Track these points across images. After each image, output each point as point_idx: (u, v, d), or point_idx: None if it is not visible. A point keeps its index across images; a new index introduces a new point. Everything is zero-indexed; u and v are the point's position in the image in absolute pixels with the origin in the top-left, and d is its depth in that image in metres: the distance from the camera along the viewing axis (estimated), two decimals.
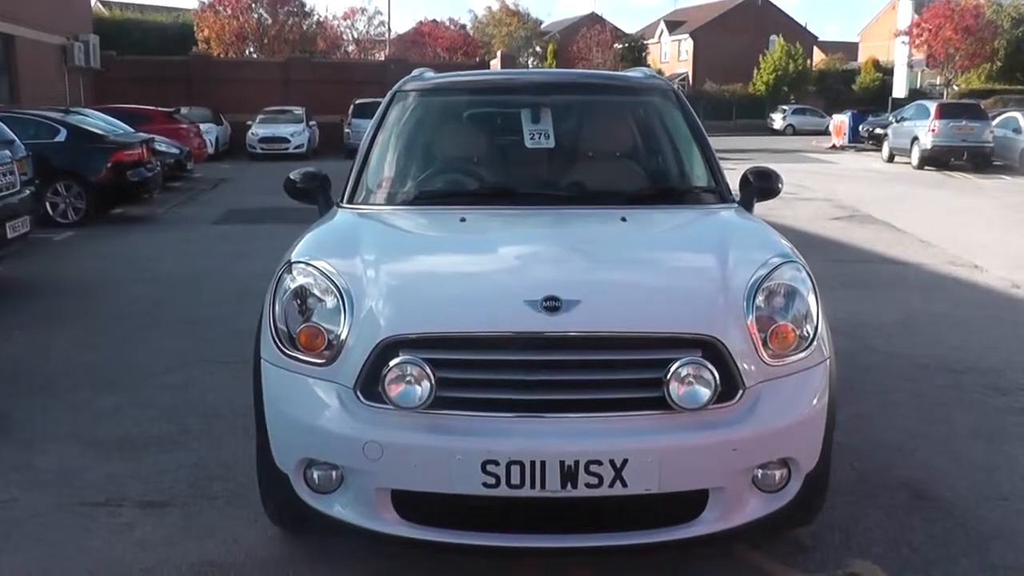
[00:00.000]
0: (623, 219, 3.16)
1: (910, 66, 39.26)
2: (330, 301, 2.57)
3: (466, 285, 2.66)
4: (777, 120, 42.96)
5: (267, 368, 2.63)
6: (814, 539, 2.96)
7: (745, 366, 2.45)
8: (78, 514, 3.22)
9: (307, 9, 39.16)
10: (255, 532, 3.03)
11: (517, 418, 2.36)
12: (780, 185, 3.70)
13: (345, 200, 3.48)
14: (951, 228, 10.88)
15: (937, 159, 20.46)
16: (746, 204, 3.57)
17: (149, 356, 5.25)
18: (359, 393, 2.41)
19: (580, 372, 2.39)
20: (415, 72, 4.10)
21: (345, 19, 45.35)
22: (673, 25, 64.32)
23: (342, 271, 2.64)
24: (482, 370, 2.40)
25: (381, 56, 40.11)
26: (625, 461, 2.32)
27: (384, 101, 3.88)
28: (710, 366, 2.37)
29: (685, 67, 59.22)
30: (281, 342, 2.58)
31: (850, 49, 64.04)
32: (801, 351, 2.59)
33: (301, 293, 2.63)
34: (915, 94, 36.48)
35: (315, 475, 2.51)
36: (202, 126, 20.25)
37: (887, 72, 44.53)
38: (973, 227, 11.16)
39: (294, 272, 2.70)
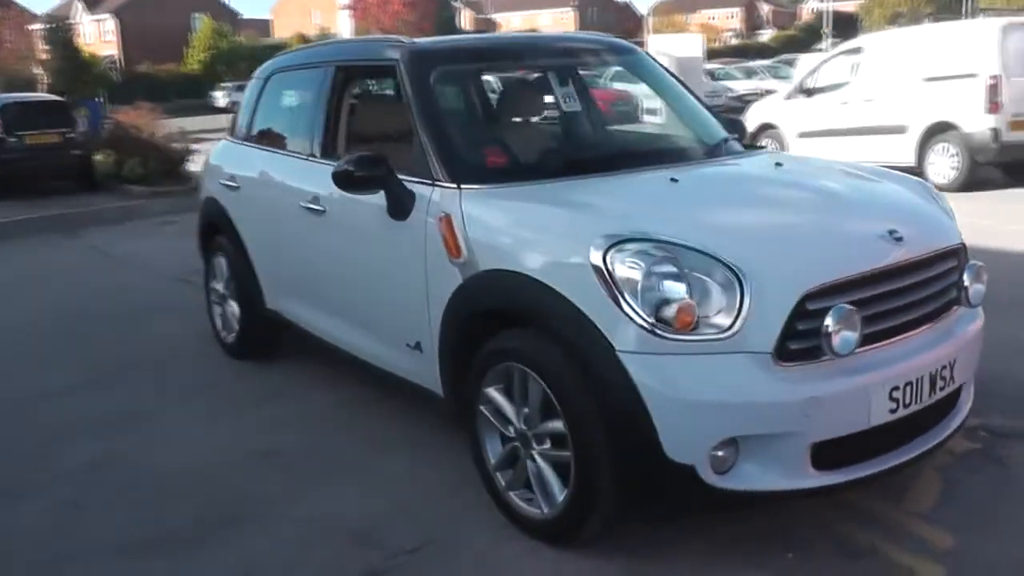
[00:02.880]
0: (778, 164, 3.36)
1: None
2: (692, 273, 2.37)
3: (829, 230, 2.71)
4: (220, 98, 40.61)
5: (637, 360, 2.37)
6: None
7: None
8: None
9: None
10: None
11: (899, 342, 2.57)
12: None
13: (452, 182, 2.94)
14: None
15: None
16: None
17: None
18: (777, 354, 2.37)
19: (917, 291, 2.65)
20: (421, 41, 3.52)
21: None
22: (91, 3, 58.48)
23: (689, 238, 2.43)
24: (875, 304, 2.53)
25: None
26: (954, 361, 2.70)
27: (407, 73, 3.25)
28: (982, 265, 2.86)
29: (112, 48, 54.79)
30: (651, 327, 2.35)
31: (263, 26, 65.49)
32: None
33: (658, 272, 2.37)
34: None
35: (717, 455, 2.38)
36: None
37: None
38: None
39: (626, 251, 2.41)
